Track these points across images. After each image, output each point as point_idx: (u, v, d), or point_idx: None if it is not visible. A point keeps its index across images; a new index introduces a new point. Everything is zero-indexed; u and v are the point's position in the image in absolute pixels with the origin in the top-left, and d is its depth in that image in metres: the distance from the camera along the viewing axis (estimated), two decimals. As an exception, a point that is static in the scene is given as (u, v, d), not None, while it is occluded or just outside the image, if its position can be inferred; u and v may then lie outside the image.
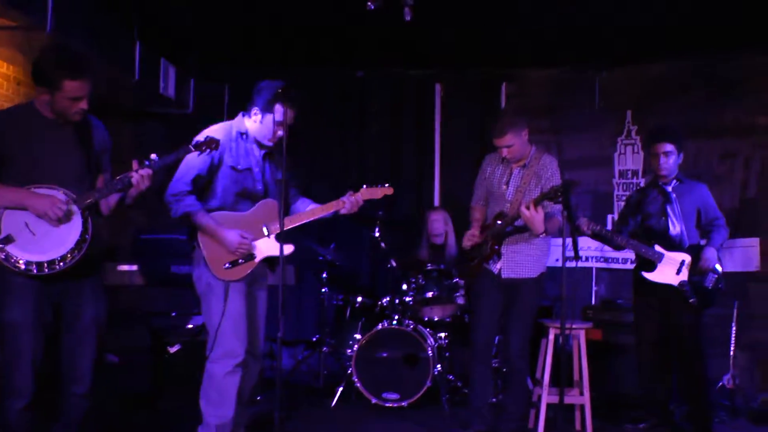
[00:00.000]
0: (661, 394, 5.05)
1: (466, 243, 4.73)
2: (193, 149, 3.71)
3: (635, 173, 6.76)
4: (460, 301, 5.73)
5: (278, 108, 3.98)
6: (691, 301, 4.80)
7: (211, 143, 3.75)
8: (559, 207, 4.41)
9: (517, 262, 4.62)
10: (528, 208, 4.29)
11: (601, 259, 6.81)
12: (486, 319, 4.71)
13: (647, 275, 4.95)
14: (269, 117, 3.98)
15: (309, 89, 7.08)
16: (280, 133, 4.01)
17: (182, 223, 3.94)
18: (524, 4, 5.36)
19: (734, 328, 5.66)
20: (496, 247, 4.60)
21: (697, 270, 4.85)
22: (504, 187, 4.67)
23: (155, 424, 4.90)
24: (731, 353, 5.64)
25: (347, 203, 4.17)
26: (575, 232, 3.96)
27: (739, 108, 6.28)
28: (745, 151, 6.25)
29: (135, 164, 3.51)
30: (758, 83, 6.19)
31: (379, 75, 7.16)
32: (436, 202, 7.12)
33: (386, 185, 4.32)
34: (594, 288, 6.86)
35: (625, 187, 6.78)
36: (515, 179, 4.65)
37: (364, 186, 4.27)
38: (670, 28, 5.75)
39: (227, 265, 3.92)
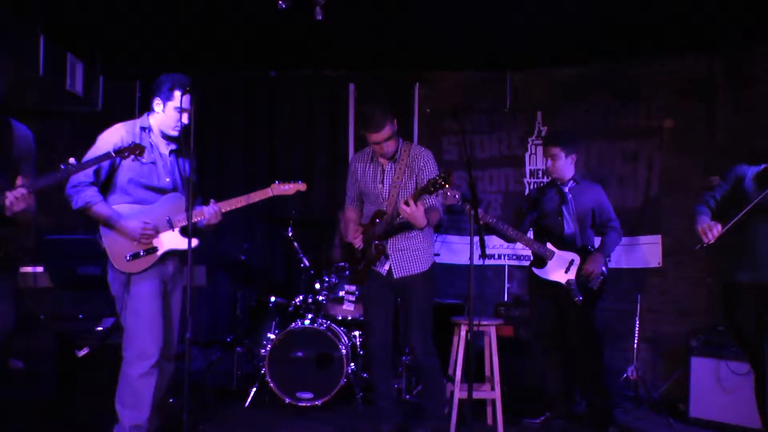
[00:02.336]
0: (554, 387, 5.18)
1: (357, 242, 4.65)
2: (114, 155, 3.76)
3: (546, 173, 6.91)
4: None
5: (178, 94, 4.04)
6: (576, 299, 4.95)
7: (135, 149, 3.81)
8: (439, 199, 4.50)
9: (405, 259, 4.58)
10: (408, 204, 4.22)
11: (513, 257, 6.96)
12: (380, 322, 4.65)
13: (537, 272, 5.10)
14: (170, 104, 4.05)
15: (220, 88, 7.05)
16: (184, 119, 4.08)
17: (82, 216, 3.94)
18: (436, 7, 5.42)
19: (637, 322, 5.87)
20: (381, 248, 4.56)
21: (583, 272, 5.01)
22: (379, 185, 4.61)
23: None
24: (634, 346, 5.85)
25: (257, 198, 4.24)
26: (482, 231, 4.03)
27: (642, 111, 6.52)
28: (648, 152, 6.49)
29: (19, 180, 3.53)
30: (660, 87, 6.44)
31: (292, 75, 7.13)
32: (350, 202, 7.12)
33: (299, 181, 4.36)
34: (506, 285, 7.01)
35: (536, 186, 6.94)
36: (388, 176, 4.59)
37: (276, 182, 4.32)
38: (579, 34, 5.91)
39: (128, 257, 3.94)
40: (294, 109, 7.20)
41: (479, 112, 7.05)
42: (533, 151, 6.96)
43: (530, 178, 6.97)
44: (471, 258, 3.98)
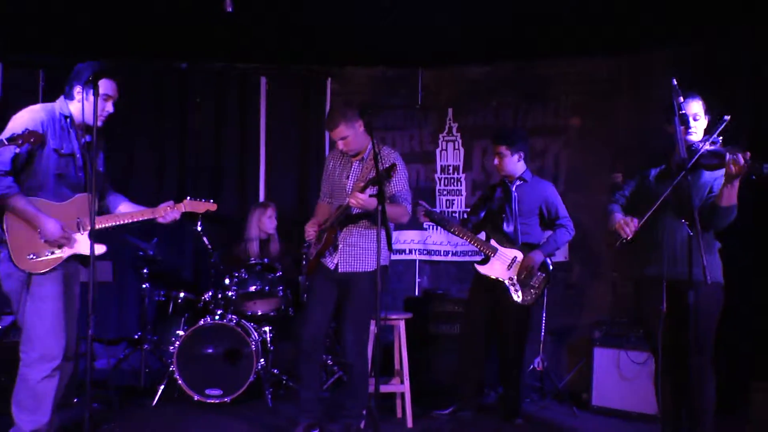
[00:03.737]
0: (475, 377, 5.29)
1: (309, 234, 4.67)
2: (6, 143, 3.55)
3: (456, 168, 7.03)
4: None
5: (103, 82, 3.88)
6: (515, 296, 5.06)
7: (30, 137, 3.62)
8: (405, 195, 4.57)
9: (352, 255, 4.59)
10: (353, 194, 4.32)
11: (424, 252, 7.04)
12: (315, 315, 4.63)
13: (479, 267, 5.19)
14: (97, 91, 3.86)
15: (129, 80, 6.83)
16: (108, 108, 3.95)
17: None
18: (347, 2, 5.43)
19: (544, 315, 6.01)
20: (332, 238, 4.57)
21: (520, 268, 5.10)
22: (344, 180, 4.66)
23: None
24: (541, 338, 6.00)
25: (167, 215, 4.17)
26: (387, 225, 4.06)
27: (549, 110, 6.70)
28: (554, 149, 6.67)
29: None
30: (567, 87, 6.63)
31: (203, 67, 6.99)
32: (261, 196, 7.05)
33: (210, 201, 4.37)
34: (417, 280, 7.08)
35: (446, 182, 7.04)
36: (354, 172, 4.63)
37: (188, 198, 4.29)
38: (488, 33, 6.01)
39: (31, 256, 3.77)
40: (205, 103, 7.06)
41: (391, 108, 7.09)
42: (444, 147, 7.05)
43: (441, 174, 7.06)
44: (378, 251, 4.01)
